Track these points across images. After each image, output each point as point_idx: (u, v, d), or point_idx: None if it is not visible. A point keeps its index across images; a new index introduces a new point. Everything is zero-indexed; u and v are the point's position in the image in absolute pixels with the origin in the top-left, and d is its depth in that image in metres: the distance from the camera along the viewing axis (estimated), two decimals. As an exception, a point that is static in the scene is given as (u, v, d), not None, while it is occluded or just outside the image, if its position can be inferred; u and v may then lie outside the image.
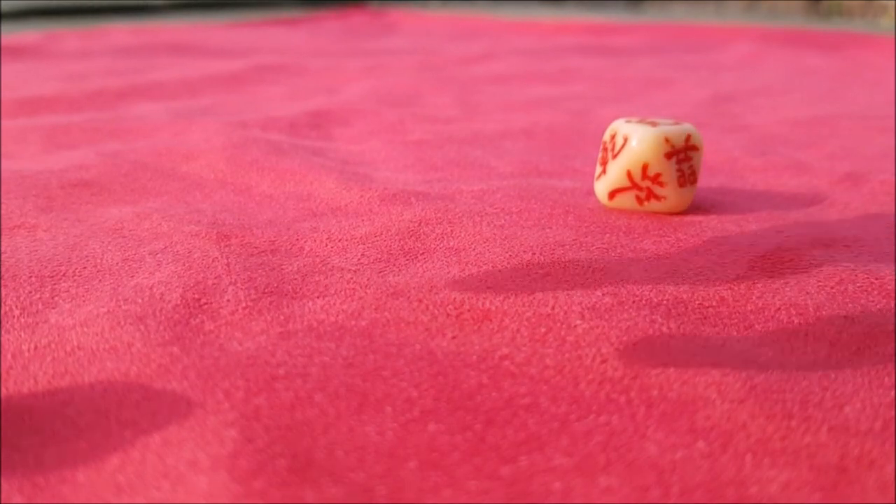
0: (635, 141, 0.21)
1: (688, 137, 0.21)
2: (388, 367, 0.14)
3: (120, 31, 0.74)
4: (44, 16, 0.95)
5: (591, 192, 0.24)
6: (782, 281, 0.17)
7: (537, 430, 0.12)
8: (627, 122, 0.22)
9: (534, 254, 0.18)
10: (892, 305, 0.16)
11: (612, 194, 0.22)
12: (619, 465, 0.11)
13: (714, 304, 0.16)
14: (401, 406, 0.13)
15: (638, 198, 0.22)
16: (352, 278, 0.17)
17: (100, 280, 0.18)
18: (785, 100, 0.44)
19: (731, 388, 0.13)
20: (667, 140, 0.21)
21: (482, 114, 0.38)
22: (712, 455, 0.12)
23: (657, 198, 0.22)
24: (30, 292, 0.17)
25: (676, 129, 0.22)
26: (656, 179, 0.22)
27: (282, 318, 0.16)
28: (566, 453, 0.12)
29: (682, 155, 0.21)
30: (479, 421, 0.12)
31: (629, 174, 0.22)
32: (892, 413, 0.12)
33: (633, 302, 0.16)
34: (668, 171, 0.21)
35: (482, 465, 0.11)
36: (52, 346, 0.15)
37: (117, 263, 0.18)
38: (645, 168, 0.21)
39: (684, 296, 0.16)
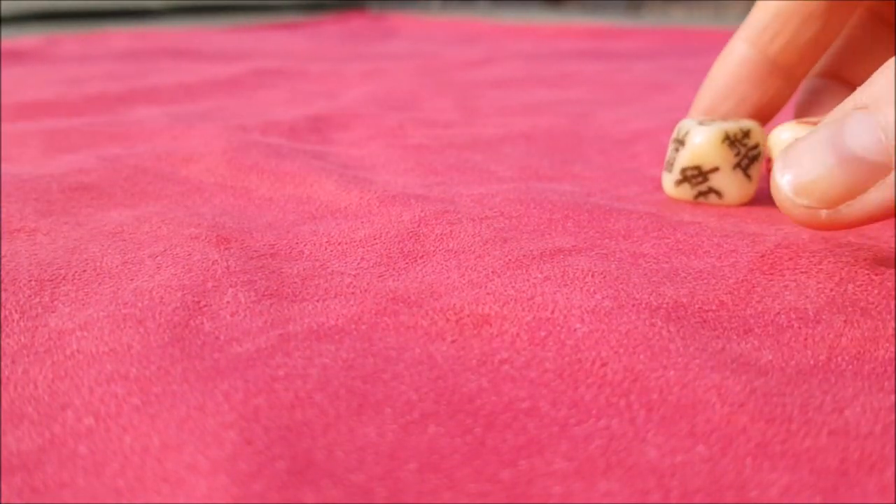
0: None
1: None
2: (388, 370, 0.14)
3: (120, 35, 0.74)
4: (44, 20, 0.95)
5: (590, 195, 0.24)
6: (782, 283, 0.17)
7: (537, 434, 0.12)
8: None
9: (533, 258, 0.18)
10: (892, 307, 0.16)
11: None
12: (618, 470, 0.11)
13: (714, 307, 0.16)
14: (401, 408, 0.13)
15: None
16: (351, 282, 0.17)
17: (99, 283, 0.18)
18: (784, 104, 0.44)
19: (731, 392, 0.13)
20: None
21: (482, 118, 0.38)
22: (712, 459, 0.11)
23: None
24: (29, 296, 0.17)
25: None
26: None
27: (282, 319, 0.16)
28: (566, 457, 0.12)
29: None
30: (479, 424, 0.12)
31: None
32: (893, 416, 0.12)
33: (633, 306, 0.16)
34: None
35: (482, 468, 0.11)
36: (52, 349, 0.15)
37: (117, 267, 0.18)
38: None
39: (683, 300, 0.16)
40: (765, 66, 0.23)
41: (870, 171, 0.15)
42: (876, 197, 0.16)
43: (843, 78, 0.24)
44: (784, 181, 0.17)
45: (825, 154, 0.16)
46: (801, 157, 0.16)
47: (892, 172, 0.15)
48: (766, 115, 0.24)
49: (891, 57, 0.24)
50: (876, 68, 0.24)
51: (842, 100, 0.23)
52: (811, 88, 0.25)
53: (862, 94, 0.16)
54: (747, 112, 0.23)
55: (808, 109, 0.24)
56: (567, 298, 0.16)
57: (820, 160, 0.16)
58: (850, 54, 0.24)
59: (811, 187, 0.16)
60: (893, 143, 0.15)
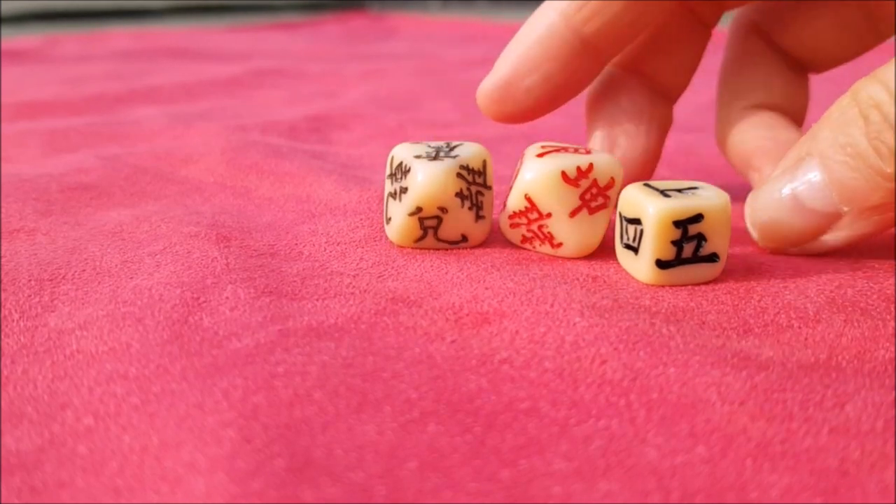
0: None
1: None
2: (388, 368, 0.14)
3: (120, 35, 0.74)
4: (43, 19, 0.95)
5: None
6: (781, 285, 0.17)
7: (537, 434, 0.12)
8: None
9: (532, 260, 0.18)
10: (892, 309, 0.16)
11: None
12: (618, 470, 0.11)
13: (714, 309, 0.16)
14: (400, 406, 0.13)
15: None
16: (351, 283, 0.17)
17: (99, 282, 0.18)
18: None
19: (732, 389, 0.13)
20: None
21: (482, 118, 0.38)
22: (712, 460, 0.11)
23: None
24: (29, 296, 0.17)
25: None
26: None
27: (281, 316, 0.16)
28: (566, 457, 0.12)
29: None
30: (478, 424, 0.12)
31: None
32: (893, 413, 0.12)
33: (632, 306, 0.16)
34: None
35: (482, 468, 0.11)
36: (52, 349, 0.15)
37: (116, 266, 0.18)
38: None
39: (682, 304, 0.16)
40: (575, 44, 0.20)
41: (824, 219, 0.18)
42: (837, 236, 0.18)
43: (641, 71, 0.22)
44: (751, 229, 0.19)
45: (782, 207, 0.18)
46: (760, 210, 0.19)
47: (843, 218, 0.18)
48: (567, 94, 0.21)
49: (693, 58, 0.23)
50: (679, 67, 0.23)
51: (635, 94, 0.22)
52: (605, 79, 0.23)
53: (809, 145, 0.18)
54: (548, 91, 0.21)
55: (600, 102, 0.22)
56: (567, 293, 0.16)
57: (777, 210, 0.18)
58: (653, 48, 0.22)
59: (775, 232, 0.19)
60: (838, 198, 0.17)
